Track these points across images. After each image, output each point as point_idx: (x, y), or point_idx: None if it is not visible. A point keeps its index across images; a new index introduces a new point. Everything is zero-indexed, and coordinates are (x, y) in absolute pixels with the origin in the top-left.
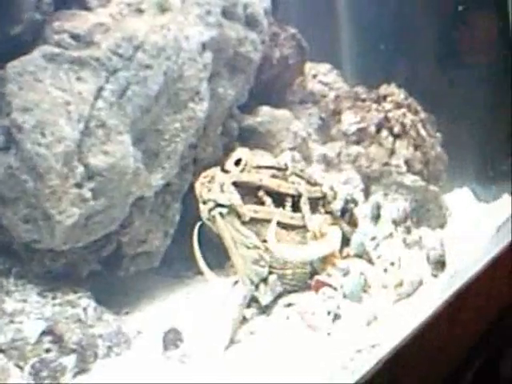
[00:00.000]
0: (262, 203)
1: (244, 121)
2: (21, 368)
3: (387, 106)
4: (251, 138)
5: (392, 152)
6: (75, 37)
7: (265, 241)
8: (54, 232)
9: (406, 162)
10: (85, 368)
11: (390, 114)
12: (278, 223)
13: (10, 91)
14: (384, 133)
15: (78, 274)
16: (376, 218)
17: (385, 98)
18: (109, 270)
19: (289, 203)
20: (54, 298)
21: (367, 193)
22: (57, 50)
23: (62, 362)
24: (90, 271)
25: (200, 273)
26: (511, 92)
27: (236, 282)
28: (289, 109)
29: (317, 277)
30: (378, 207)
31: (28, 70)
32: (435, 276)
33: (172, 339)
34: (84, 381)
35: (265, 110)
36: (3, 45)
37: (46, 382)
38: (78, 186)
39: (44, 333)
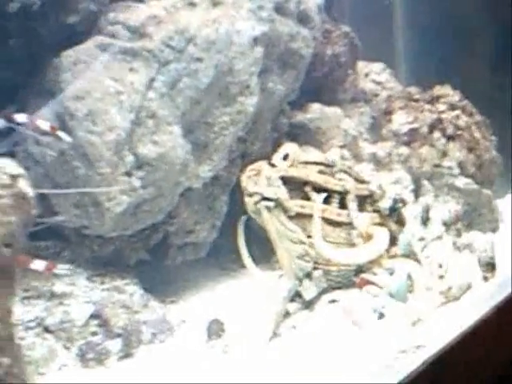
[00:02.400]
0: (309, 199)
1: (294, 117)
2: (68, 349)
3: (441, 107)
4: (301, 134)
5: (444, 154)
6: (129, 28)
7: (310, 236)
8: (103, 219)
9: (459, 165)
10: (129, 352)
11: (443, 116)
12: (325, 219)
13: (64, 79)
14: (436, 134)
15: (126, 261)
16: (425, 219)
17: (438, 99)
18: (156, 259)
19: (335, 200)
20: (101, 283)
21: (417, 194)
22: (110, 41)
23: (107, 346)
24: (137, 259)
25: (244, 266)
26: None
27: (280, 276)
28: (340, 107)
29: (362, 275)
30: (428, 208)
31: (82, 59)
32: (485, 280)
33: (215, 329)
34: (129, 365)
35: (315, 107)
36: (59, 34)
37: (91, 364)
38: (128, 174)
39: (91, 316)
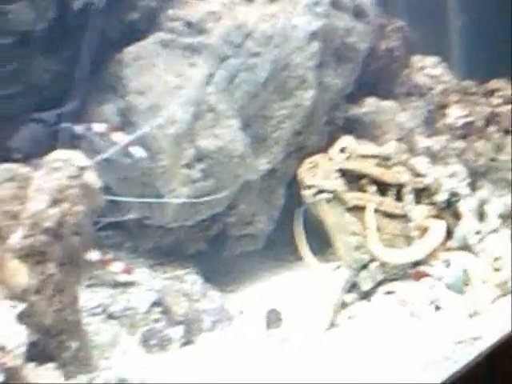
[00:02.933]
0: (365, 191)
1: (349, 110)
2: (131, 335)
3: (496, 100)
4: (356, 127)
5: (500, 147)
6: (188, 24)
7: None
8: (164, 210)
9: None
10: (190, 340)
11: (498, 109)
12: (381, 212)
13: (126, 75)
14: (492, 128)
15: (186, 251)
16: (481, 212)
17: (493, 92)
18: (214, 250)
19: (392, 192)
20: (163, 273)
21: (473, 187)
22: (170, 37)
23: (169, 333)
24: (196, 249)
25: (302, 258)
26: None
27: (338, 267)
28: (395, 100)
29: (418, 267)
30: (484, 202)
31: (143, 55)
32: None
33: (273, 319)
34: (190, 352)
35: (370, 101)
36: (120, 31)
37: (154, 349)
38: (188, 166)
39: (154, 304)
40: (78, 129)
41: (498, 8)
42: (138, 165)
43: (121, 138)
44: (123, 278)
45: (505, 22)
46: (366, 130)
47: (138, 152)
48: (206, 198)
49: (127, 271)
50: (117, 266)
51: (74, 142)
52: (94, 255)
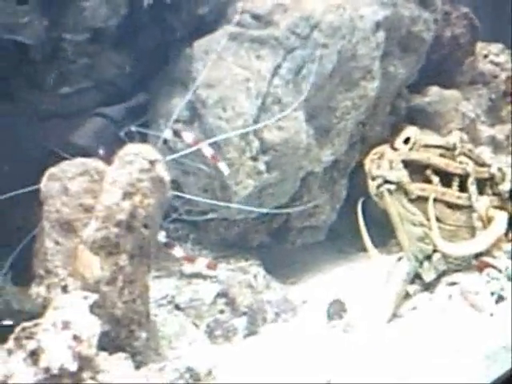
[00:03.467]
0: (430, 182)
1: (412, 100)
2: (197, 326)
3: None
4: (419, 117)
5: None
6: (256, 17)
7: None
8: (230, 202)
9: None
10: (254, 331)
11: None
12: (445, 202)
13: (195, 68)
14: None
15: (249, 243)
16: None
17: None
18: (277, 242)
19: (456, 183)
20: (227, 264)
21: None
22: (239, 30)
23: (234, 323)
24: (260, 242)
25: (363, 249)
26: None
27: (400, 258)
28: (458, 89)
29: (482, 258)
30: None
31: (212, 48)
32: None
33: (336, 310)
34: (255, 342)
35: (434, 90)
36: (190, 24)
37: (219, 340)
38: (254, 159)
39: (218, 295)
40: (167, 134)
41: None
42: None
43: (207, 151)
44: (187, 268)
45: None
46: (428, 120)
47: (226, 169)
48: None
49: (211, 267)
50: (201, 262)
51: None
52: (177, 252)
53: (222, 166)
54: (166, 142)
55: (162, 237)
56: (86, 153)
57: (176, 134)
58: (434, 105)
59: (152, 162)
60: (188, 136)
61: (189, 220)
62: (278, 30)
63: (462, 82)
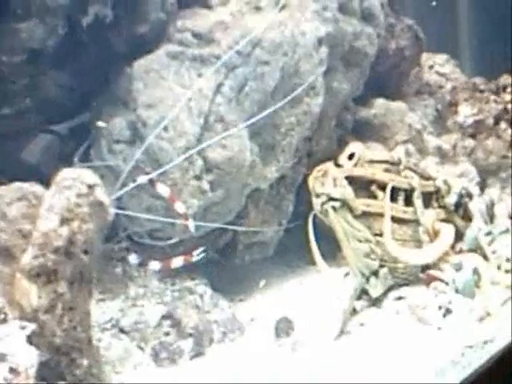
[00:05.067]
0: (375, 197)
1: (358, 113)
2: (142, 349)
3: (507, 97)
4: (365, 130)
5: (511, 145)
6: (197, 35)
7: (377, 234)
8: (174, 222)
9: None
10: (200, 352)
11: (509, 106)
12: (391, 217)
13: (136, 88)
14: (503, 125)
15: (196, 262)
16: (491, 212)
17: (504, 88)
18: (225, 259)
19: (401, 197)
20: (172, 285)
21: (483, 186)
22: (180, 49)
23: (180, 345)
24: (206, 260)
25: (312, 263)
26: None
27: (347, 274)
28: (404, 100)
29: (428, 271)
30: (494, 202)
31: (153, 67)
32: None
33: (283, 327)
34: (200, 364)
35: (379, 102)
36: (130, 43)
37: (165, 363)
38: (198, 178)
39: (164, 317)
40: (142, 179)
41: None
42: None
43: (180, 207)
44: (131, 290)
45: None
46: (375, 133)
47: (182, 208)
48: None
49: (188, 259)
50: (179, 261)
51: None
52: (154, 266)
53: (179, 206)
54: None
55: (133, 259)
56: (37, 170)
57: (151, 183)
58: (380, 117)
59: (91, 187)
60: (163, 190)
61: (133, 240)
62: (219, 48)
63: (408, 94)
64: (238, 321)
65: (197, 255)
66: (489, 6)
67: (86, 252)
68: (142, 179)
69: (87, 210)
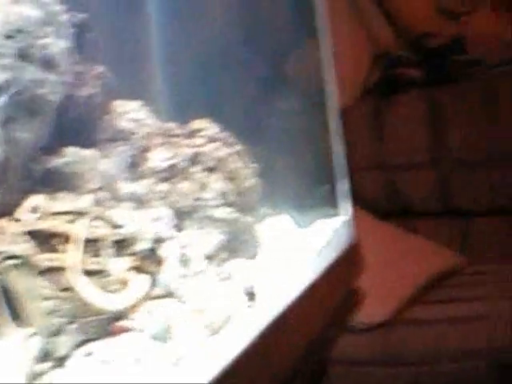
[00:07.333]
0: (58, 251)
1: (48, 163)
2: None
3: (199, 140)
4: (57, 179)
5: (204, 186)
6: None
7: (66, 289)
8: None
9: (220, 195)
10: None
11: (202, 149)
12: (82, 269)
13: None
14: (196, 167)
15: None
16: (186, 254)
17: (196, 132)
18: None
19: (91, 248)
20: None
21: (180, 228)
22: None
23: None
24: None
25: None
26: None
27: (32, 335)
28: (97, 148)
29: (115, 323)
30: (187, 243)
31: None
32: (249, 307)
33: None
34: None
35: (70, 151)
36: None
37: None
38: None
39: None
40: None
41: (204, 49)
42: None
43: None
44: None
45: (210, 61)
46: (67, 182)
47: None
48: None
49: None
50: None
51: None
52: None
53: None
54: None
55: None
56: None
57: None
58: (71, 165)
59: None
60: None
61: None
62: None
63: (100, 141)
64: None
65: None
66: (185, 51)
67: None
68: None
69: None
